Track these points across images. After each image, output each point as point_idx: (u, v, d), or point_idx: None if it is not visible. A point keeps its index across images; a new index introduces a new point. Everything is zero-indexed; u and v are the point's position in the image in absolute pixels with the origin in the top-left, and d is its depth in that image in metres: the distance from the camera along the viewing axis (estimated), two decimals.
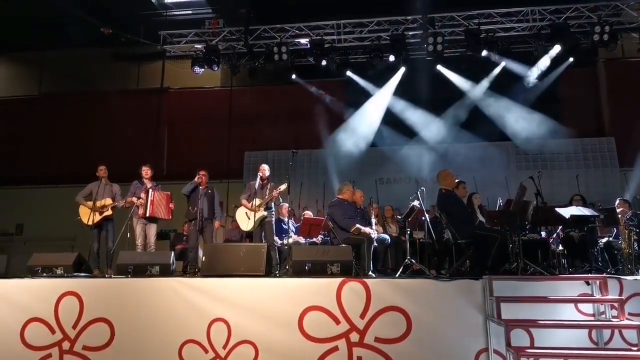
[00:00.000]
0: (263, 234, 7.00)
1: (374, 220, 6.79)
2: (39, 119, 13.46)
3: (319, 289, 4.69)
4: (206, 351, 4.67)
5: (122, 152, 11.76)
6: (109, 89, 13.46)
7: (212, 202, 7.23)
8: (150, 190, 7.17)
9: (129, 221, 7.09)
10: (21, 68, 14.43)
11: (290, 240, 7.14)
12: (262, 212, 6.94)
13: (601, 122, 12.01)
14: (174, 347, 4.71)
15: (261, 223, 6.98)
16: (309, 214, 8.52)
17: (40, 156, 13.10)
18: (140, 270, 5.45)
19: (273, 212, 7.18)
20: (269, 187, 7.10)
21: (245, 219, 7.07)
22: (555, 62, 10.61)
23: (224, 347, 4.65)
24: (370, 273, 5.83)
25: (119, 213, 7.38)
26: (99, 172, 7.38)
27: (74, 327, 4.91)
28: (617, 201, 6.95)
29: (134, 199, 7.12)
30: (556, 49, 10.02)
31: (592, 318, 4.43)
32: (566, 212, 6.21)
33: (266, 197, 6.98)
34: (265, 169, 7.22)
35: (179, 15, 11.59)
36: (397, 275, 5.82)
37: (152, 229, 7.24)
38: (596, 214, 6.44)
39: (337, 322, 4.56)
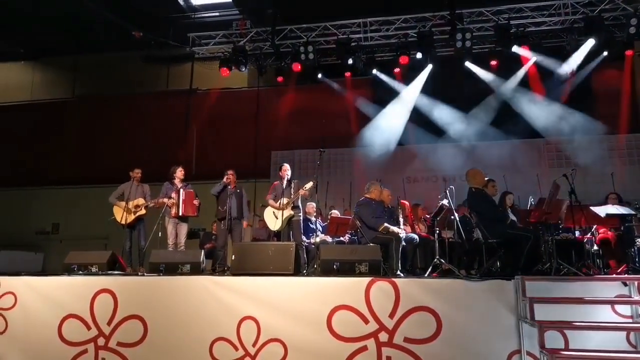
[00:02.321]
0: (291, 233, 7.04)
1: (401, 220, 6.74)
2: (72, 121, 13.88)
3: (347, 288, 4.68)
4: (236, 349, 4.73)
5: (152, 153, 12.01)
6: (139, 92, 13.78)
7: (240, 202, 7.31)
8: (181, 190, 7.32)
9: (161, 220, 7.24)
10: (56, 72, 14.89)
11: (318, 240, 7.16)
12: (289, 211, 6.98)
13: (637, 117, 11.60)
14: (205, 344, 4.79)
15: (289, 222, 7.02)
16: (336, 213, 8.51)
17: (74, 158, 13.50)
18: (171, 269, 5.56)
19: (300, 212, 7.21)
20: (293, 185, 7.14)
21: (272, 219, 7.13)
22: (589, 56, 10.30)
23: (254, 345, 4.69)
24: (398, 273, 5.79)
25: (150, 212, 7.55)
26: (135, 174, 7.56)
27: (109, 323, 5.05)
28: None
29: (165, 200, 7.27)
30: (590, 43, 9.74)
31: (630, 320, 4.29)
32: (602, 210, 6.04)
33: (292, 195, 7.02)
34: (287, 169, 7.27)
35: (207, 18, 11.77)
36: (426, 275, 5.76)
37: (183, 229, 7.39)
38: (633, 212, 6.24)
39: (366, 321, 4.54)
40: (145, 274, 6.09)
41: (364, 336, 4.51)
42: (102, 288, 5.16)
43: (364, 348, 4.49)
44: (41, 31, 12.69)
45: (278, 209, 7.00)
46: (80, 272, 5.72)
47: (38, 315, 5.23)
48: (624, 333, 4.25)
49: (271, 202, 7.20)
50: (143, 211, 7.39)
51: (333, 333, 4.58)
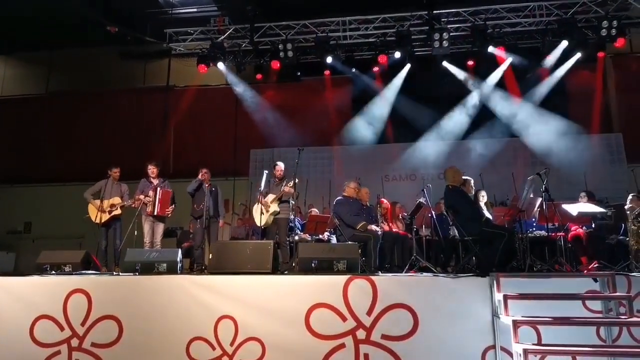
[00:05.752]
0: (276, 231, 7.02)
1: (380, 218, 6.79)
2: (46, 117, 13.54)
3: (325, 286, 4.69)
4: (213, 348, 4.69)
5: (128, 151, 11.83)
6: (115, 88, 13.53)
7: (216, 200, 7.30)
8: (158, 188, 7.22)
9: (137, 219, 7.12)
10: (29, 67, 14.48)
11: (296, 238, 7.14)
12: (275, 207, 6.95)
13: (609, 118, 11.90)
14: (181, 344, 4.73)
15: (276, 221, 6.99)
16: (315, 211, 8.52)
17: (47, 155, 13.18)
18: (147, 268, 5.47)
19: (288, 209, 7.06)
20: (284, 184, 7.12)
21: (260, 215, 7.09)
22: (563, 57, 10.54)
23: (231, 344, 4.66)
24: (376, 270, 5.83)
25: (127, 211, 7.43)
26: (113, 172, 7.41)
27: (83, 324, 4.94)
28: (630, 197, 6.80)
29: (142, 197, 7.17)
30: (563, 44, 9.96)
31: (600, 315, 4.40)
32: (574, 208, 6.18)
33: (277, 193, 7.00)
34: (280, 168, 7.24)
35: (185, 13, 11.59)
36: (403, 273, 5.81)
37: (160, 228, 7.30)
38: (604, 210, 6.40)
39: (344, 319, 4.56)
40: (120, 273, 5.98)
41: (341, 334, 4.53)
42: (76, 288, 5.04)
43: (342, 345, 4.51)
44: (14, 25, 12.33)
45: (262, 204, 6.98)
46: (53, 272, 5.59)
47: (9, 316, 5.09)
48: (594, 328, 4.35)
49: (259, 196, 7.19)
50: (118, 211, 7.27)
51: (311, 331, 4.58)
